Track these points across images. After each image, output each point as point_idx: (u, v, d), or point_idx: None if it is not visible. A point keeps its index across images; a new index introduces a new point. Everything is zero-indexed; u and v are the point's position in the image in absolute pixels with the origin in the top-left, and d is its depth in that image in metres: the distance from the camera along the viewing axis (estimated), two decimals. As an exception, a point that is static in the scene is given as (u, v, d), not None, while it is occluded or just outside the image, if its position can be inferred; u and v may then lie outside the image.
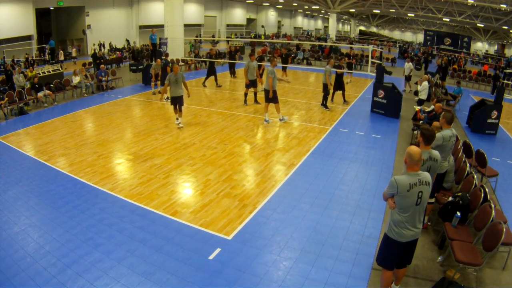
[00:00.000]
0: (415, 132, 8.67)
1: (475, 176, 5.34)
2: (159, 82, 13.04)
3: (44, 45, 22.58)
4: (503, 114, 10.59)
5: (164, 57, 13.83)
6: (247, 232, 4.87)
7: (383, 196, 3.56)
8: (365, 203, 5.75)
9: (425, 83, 11.24)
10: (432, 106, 8.60)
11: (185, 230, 4.89)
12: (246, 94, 11.68)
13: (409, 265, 3.83)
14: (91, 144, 8.07)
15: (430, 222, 5.18)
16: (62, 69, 15.08)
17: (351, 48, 24.21)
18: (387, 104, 10.99)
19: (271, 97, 9.37)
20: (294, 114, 10.28)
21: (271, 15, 50.20)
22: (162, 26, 19.82)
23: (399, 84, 13.49)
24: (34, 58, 20.84)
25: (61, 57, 20.63)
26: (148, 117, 10.18)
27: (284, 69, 16.74)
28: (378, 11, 40.76)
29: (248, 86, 11.38)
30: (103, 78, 13.62)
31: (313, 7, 39.86)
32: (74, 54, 22.28)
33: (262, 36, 41.96)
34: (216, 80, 14.65)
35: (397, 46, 39.58)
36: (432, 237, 4.97)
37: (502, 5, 23.72)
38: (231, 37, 37.07)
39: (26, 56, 19.89)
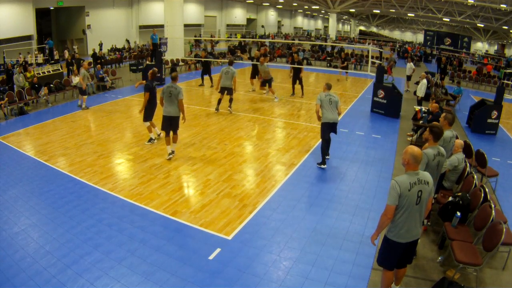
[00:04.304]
0: (409, 134, 8.68)
1: (475, 176, 5.35)
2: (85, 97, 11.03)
3: (44, 45, 22.54)
4: (503, 114, 10.60)
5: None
6: (247, 232, 4.87)
7: (381, 219, 3.38)
8: (365, 203, 5.74)
9: (424, 81, 11.43)
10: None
11: (185, 230, 4.89)
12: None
13: (409, 265, 3.83)
14: (91, 144, 8.07)
15: (430, 223, 5.18)
16: (62, 69, 15.08)
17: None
18: (387, 104, 10.99)
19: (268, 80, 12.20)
20: (295, 114, 10.28)
21: (271, 15, 50.22)
22: (162, 26, 19.83)
23: (399, 84, 13.48)
24: (42, 60, 20.58)
25: (67, 56, 19.88)
26: (148, 117, 10.15)
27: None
28: (378, 11, 40.78)
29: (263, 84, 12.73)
30: (101, 76, 13.68)
31: (313, 7, 39.88)
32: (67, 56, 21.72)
33: (257, 36, 41.84)
34: (211, 80, 14.83)
35: (397, 46, 39.54)
36: (432, 237, 4.97)
37: (502, 5, 23.75)
38: (231, 37, 37.02)
39: (21, 57, 19.66)
